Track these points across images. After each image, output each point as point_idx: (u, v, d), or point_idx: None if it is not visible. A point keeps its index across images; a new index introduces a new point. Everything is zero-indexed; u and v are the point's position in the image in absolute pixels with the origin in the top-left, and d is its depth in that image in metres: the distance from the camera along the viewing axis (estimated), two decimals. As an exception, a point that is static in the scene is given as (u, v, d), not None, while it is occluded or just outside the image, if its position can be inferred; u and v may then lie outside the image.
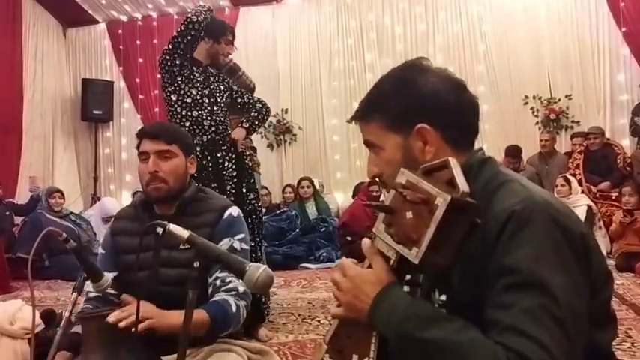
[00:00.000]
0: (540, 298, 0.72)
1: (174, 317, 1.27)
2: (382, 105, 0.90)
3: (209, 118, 2.75)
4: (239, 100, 2.95)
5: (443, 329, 0.74)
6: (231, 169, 2.78)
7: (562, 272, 0.75)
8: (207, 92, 2.78)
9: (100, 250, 1.67)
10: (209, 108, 2.75)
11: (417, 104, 0.87)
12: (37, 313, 1.96)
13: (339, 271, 0.87)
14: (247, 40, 6.63)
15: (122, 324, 1.22)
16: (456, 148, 0.89)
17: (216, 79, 2.87)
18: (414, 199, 0.75)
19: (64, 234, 1.22)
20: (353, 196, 5.93)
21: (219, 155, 2.76)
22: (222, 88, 2.86)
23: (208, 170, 2.72)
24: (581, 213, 4.46)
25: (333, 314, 0.88)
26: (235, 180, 2.79)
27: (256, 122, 2.97)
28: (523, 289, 0.74)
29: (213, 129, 2.75)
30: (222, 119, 2.81)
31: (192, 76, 2.75)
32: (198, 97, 2.74)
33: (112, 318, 1.22)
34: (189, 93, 2.74)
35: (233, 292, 1.44)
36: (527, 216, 0.77)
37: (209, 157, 2.74)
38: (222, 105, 2.84)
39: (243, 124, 2.91)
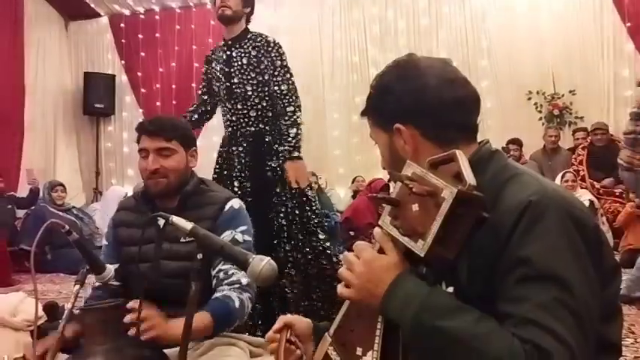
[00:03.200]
0: (556, 291, 0.72)
1: (179, 329, 1.27)
2: (371, 104, 0.97)
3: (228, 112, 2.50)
4: (275, 87, 2.43)
5: (460, 319, 0.74)
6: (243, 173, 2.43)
7: (577, 265, 0.75)
8: (223, 74, 2.50)
9: (104, 242, 1.69)
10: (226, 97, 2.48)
11: (395, 105, 0.91)
12: (40, 306, 1.96)
13: (353, 252, 0.86)
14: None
15: (127, 318, 1.22)
16: (440, 143, 0.88)
17: (241, 50, 2.46)
18: (421, 191, 0.74)
19: (67, 226, 1.21)
20: (352, 190, 5.94)
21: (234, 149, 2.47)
22: (245, 61, 2.44)
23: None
24: (584, 207, 4.46)
25: (340, 294, 0.87)
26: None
27: (299, 144, 2.44)
28: (538, 282, 0.73)
29: (233, 121, 2.49)
30: (241, 106, 2.45)
31: (213, 63, 2.56)
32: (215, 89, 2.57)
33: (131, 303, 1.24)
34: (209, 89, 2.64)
35: (236, 286, 1.44)
36: (543, 208, 0.76)
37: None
38: (242, 85, 2.45)
39: (293, 154, 2.38)
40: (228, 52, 2.50)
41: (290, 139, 2.42)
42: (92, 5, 7.21)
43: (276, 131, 2.48)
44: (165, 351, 1.36)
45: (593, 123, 5.60)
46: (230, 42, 2.49)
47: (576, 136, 5.79)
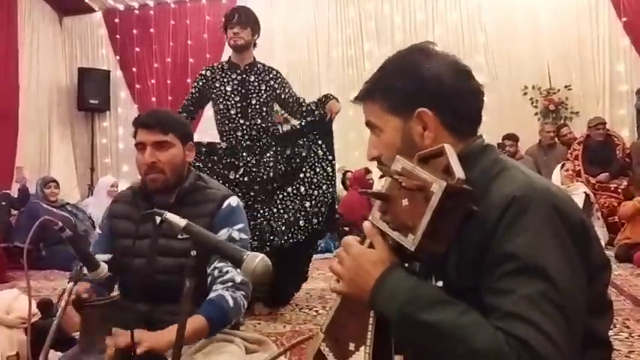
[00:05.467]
0: (541, 285, 0.72)
1: (170, 334, 1.25)
2: (385, 87, 0.91)
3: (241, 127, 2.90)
4: (282, 96, 3.00)
5: (445, 312, 0.74)
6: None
7: (562, 259, 0.75)
8: (237, 99, 2.91)
9: (98, 231, 1.69)
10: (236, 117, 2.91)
11: (418, 88, 0.87)
12: (34, 303, 1.95)
13: (342, 248, 0.87)
14: (245, 30, 6.58)
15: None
16: (456, 134, 0.88)
17: (259, 77, 2.97)
18: (410, 185, 0.74)
19: (60, 223, 1.20)
20: (343, 184, 5.94)
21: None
22: (263, 88, 2.95)
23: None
24: (579, 201, 4.46)
25: (333, 289, 0.89)
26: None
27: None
28: (523, 276, 0.73)
29: (247, 136, 2.90)
30: (255, 123, 2.91)
31: (224, 88, 2.94)
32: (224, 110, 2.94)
33: (109, 351, 1.20)
34: (218, 109, 2.97)
35: (229, 284, 1.43)
36: (527, 202, 0.76)
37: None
38: (258, 106, 2.92)
39: (331, 98, 2.93)
40: (244, 76, 2.95)
41: (309, 103, 2.98)
42: (86, 0, 7.17)
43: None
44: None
45: (590, 118, 5.62)
46: (247, 67, 2.96)
47: (562, 132, 5.81)
